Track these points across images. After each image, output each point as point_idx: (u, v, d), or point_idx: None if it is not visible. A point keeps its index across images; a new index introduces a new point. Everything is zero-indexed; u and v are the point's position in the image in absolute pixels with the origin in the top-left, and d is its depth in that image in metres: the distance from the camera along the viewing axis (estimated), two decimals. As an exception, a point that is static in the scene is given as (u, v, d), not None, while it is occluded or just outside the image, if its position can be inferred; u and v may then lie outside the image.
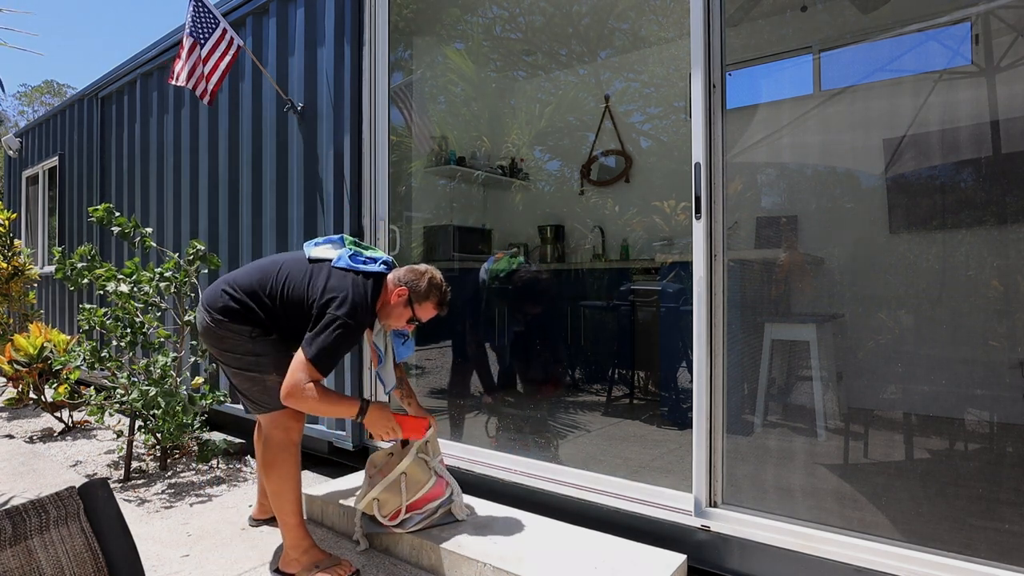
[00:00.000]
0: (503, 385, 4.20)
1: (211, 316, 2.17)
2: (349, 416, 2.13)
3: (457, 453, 2.83)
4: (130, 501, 2.96)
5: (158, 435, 3.29)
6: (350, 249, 2.28)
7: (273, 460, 2.19)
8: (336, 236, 2.39)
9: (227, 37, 3.14)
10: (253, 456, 3.62)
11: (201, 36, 3.11)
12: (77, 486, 1.10)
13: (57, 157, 6.45)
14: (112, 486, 3.14)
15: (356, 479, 2.86)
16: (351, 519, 2.46)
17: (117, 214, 3.40)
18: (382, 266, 2.28)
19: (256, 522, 2.63)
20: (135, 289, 3.32)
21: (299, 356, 2.04)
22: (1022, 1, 2.33)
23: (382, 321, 2.30)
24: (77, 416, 4.60)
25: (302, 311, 2.14)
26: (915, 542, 1.80)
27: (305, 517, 2.66)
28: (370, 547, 2.39)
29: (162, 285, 3.34)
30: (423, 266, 2.31)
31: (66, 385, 4.06)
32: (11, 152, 7.61)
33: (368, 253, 2.31)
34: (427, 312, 2.27)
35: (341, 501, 2.57)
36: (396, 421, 2.20)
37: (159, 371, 3.29)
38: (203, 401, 3.41)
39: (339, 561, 2.17)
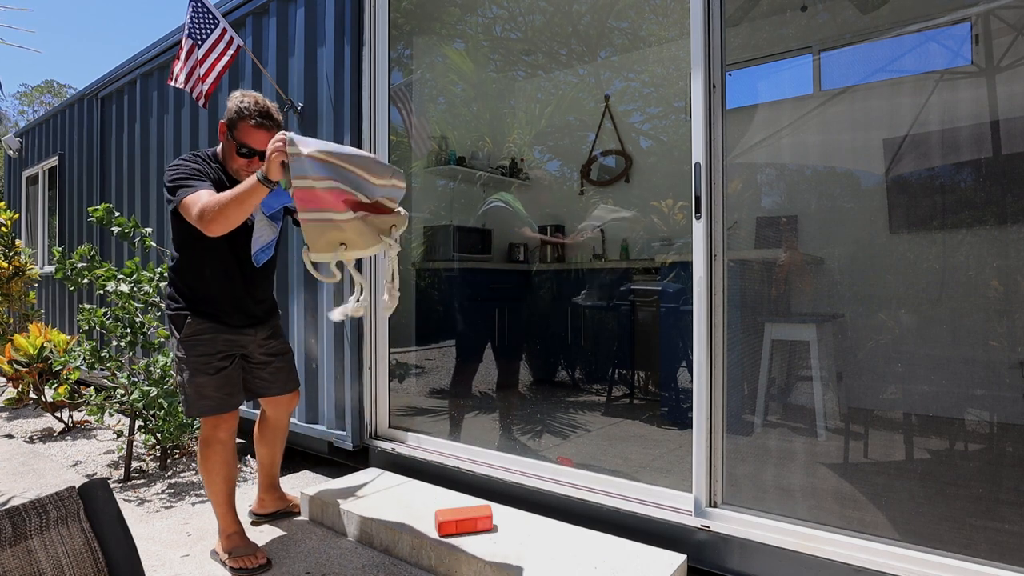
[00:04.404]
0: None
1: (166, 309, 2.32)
2: (257, 191, 1.92)
3: (457, 453, 2.83)
4: (130, 501, 2.96)
5: (158, 435, 3.29)
6: None
7: (203, 456, 2.30)
8: None
9: (226, 37, 3.14)
10: (253, 456, 3.62)
11: (199, 37, 3.11)
12: (77, 486, 1.10)
13: (57, 157, 6.45)
14: (112, 486, 3.14)
15: (356, 479, 2.86)
16: (350, 519, 2.47)
17: (117, 214, 3.39)
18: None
19: (258, 516, 2.63)
20: (135, 289, 3.32)
21: (184, 204, 2.02)
22: (1022, 1, 2.33)
23: (231, 170, 2.23)
24: (77, 416, 4.60)
25: (174, 223, 2.20)
26: (915, 542, 1.80)
27: (307, 517, 2.66)
28: (370, 546, 2.39)
29: (162, 285, 3.34)
30: (238, 90, 2.22)
31: (66, 385, 4.06)
32: (11, 152, 7.61)
33: None
34: (250, 135, 2.13)
35: (340, 501, 2.57)
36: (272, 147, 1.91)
37: (159, 371, 3.29)
38: (203, 401, 3.40)
39: (255, 551, 2.24)
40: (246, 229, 2.27)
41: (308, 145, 1.87)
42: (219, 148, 2.29)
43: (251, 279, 2.36)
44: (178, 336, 2.24)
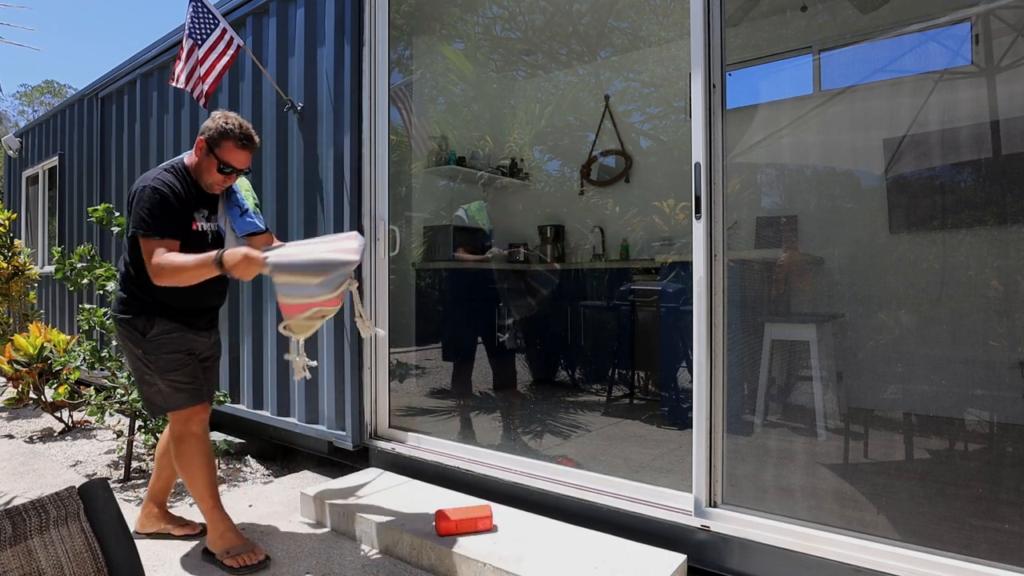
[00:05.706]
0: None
1: (114, 320, 2.28)
2: (210, 271, 2.06)
3: (457, 453, 2.83)
4: (130, 501, 2.96)
5: (158, 435, 3.29)
6: None
7: (178, 453, 2.25)
8: None
9: (226, 37, 3.13)
10: (254, 456, 3.62)
11: (200, 37, 3.11)
12: (77, 486, 1.10)
13: (57, 157, 6.45)
14: (112, 486, 3.14)
15: (356, 479, 2.86)
16: (350, 519, 2.47)
17: (117, 214, 3.39)
18: (183, 155, 2.35)
19: (136, 534, 2.49)
20: (135, 289, 3.31)
21: (144, 246, 2.10)
22: (1022, 1, 2.33)
23: (205, 184, 2.27)
24: (77, 416, 4.60)
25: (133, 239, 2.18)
26: (915, 542, 1.80)
27: (307, 518, 2.66)
28: (370, 546, 2.39)
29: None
30: (219, 111, 2.27)
31: (66, 385, 4.06)
32: (11, 152, 7.62)
33: None
34: (232, 154, 2.21)
35: (340, 501, 2.57)
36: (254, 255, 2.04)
37: (159, 371, 3.29)
38: (203, 401, 3.40)
39: (252, 548, 2.22)
40: (220, 242, 2.35)
41: (306, 272, 2.07)
42: (191, 160, 2.28)
43: (220, 287, 2.41)
44: (143, 337, 2.20)
